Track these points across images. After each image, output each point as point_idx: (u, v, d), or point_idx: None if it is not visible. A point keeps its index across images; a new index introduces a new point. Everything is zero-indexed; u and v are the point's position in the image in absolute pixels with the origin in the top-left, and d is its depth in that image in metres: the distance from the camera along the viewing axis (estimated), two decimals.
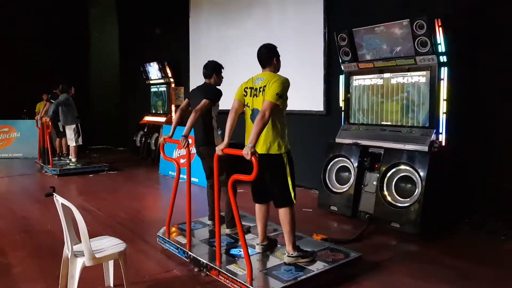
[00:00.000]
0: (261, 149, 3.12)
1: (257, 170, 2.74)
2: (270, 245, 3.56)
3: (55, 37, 11.63)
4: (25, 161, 9.80)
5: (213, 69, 4.13)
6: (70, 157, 8.40)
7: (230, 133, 3.26)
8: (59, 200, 2.70)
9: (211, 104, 3.88)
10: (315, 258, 3.31)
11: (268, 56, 3.32)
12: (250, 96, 3.25)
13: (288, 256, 3.28)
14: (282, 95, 3.04)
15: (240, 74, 7.52)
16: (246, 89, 3.30)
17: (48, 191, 2.79)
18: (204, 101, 3.83)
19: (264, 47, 3.37)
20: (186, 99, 4.23)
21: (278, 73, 3.31)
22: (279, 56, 3.39)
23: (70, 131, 8.21)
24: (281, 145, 3.17)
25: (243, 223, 4.04)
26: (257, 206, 3.53)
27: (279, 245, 3.59)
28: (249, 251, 3.02)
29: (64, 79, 8.79)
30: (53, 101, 8.78)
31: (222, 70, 4.20)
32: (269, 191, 3.36)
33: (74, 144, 8.23)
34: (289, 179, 3.22)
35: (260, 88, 3.16)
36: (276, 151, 3.17)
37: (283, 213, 3.26)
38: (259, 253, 3.49)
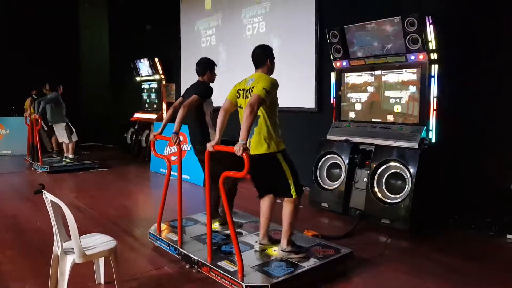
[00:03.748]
0: (258, 150, 3.15)
1: (249, 166, 2.74)
2: (269, 244, 3.53)
3: (44, 33, 11.48)
4: (14, 159, 9.69)
5: (206, 66, 4.09)
6: (66, 154, 8.33)
7: (222, 130, 3.27)
8: (48, 197, 2.67)
9: (201, 99, 3.85)
10: (307, 255, 3.31)
11: (262, 57, 3.32)
12: (243, 97, 3.25)
13: (281, 250, 3.30)
14: (269, 91, 3.03)
15: (232, 71, 7.57)
16: (239, 91, 3.31)
17: (37, 188, 2.76)
18: (193, 96, 3.80)
19: (258, 48, 3.38)
20: (180, 98, 4.21)
21: (271, 75, 3.30)
22: (274, 58, 3.38)
23: (61, 129, 8.15)
24: (274, 144, 3.18)
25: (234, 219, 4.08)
26: (261, 201, 3.53)
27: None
28: (240, 247, 3.03)
29: (53, 76, 8.71)
30: (36, 97, 8.70)
31: (215, 67, 4.17)
32: (270, 186, 3.38)
33: (68, 141, 8.17)
34: (288, 175, 3.22)
35: (250, 89, 3.17)
36: (270, 150, 3.17)
37: (285, 205, 3.28)
38: (256, 251, 3.47)
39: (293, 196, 3.23)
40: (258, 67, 3.34)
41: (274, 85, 3.13)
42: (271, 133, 3.17)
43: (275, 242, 3.55)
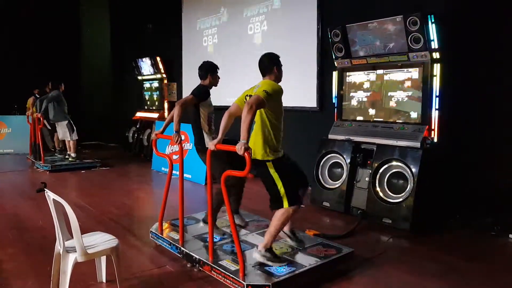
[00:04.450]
0: (252, 153, 3.12)
1: (250, 165, 2.75)
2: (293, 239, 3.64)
3: (45, 32, 11.51)
4: (16, 157, 9.72)
5: (208, 70, 4.06)
6: (68, 152, 8.36)
7: (224, 131, 3.27)
8: (50, 195, 2.68)
9: (195, 100, 3.83)
10: (280, 261, 3.23)
11: (268, 65, 3.31)
12: None
13: (258, 252, 3.22)
14: (270, 94, 3.01)
15: (233, 71, 7.57)
16: (246, 97, 3.31)
17: (40, 187, 2.77)
18: (188, 96, 3.81)
19: (265, 56, 3.36)
20: None
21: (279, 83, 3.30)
22: (281, 65, 3.36)
23: (63, 128, 8.17)
24: (266, 152, 3.15)
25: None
26: None
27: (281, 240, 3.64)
28: (242, 246, 3.03)
29: (55, 74, 8.72)
30: (38, 96, 8.72)
31: (218, 71, 4.15)
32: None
33: (69, 139, 8.19)
34: (279, 185, 3.16)
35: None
36: (261, 158, 3.15)
37: (277, 213, 3.22)
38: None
39: (284, 207, 3.16)
40: (265, 75, 3.32)
41: (276, 89, 3.12)
42: (264, 141, 3.15)
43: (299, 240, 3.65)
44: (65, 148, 8.73)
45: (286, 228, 3.58)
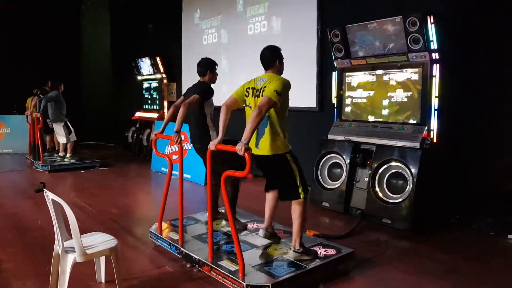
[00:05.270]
0: (268, 150, 3.14)
1: (250, 166, 2.74)
2: (273, 236, 3.63)
3: (45, 32, 11.51)
4: (15, 157, 9.72)
5: (207, 67, 4.07)
6: (66, 153, 8.31)
7: (224, 129, 3.25)
8: (49, 196, 2.67)
9: (201, 100, 3.84)
10: (316, 257, 3.29)
11: (271, 58, 3.30)
12: (252, 96, 3.21)
13: (294, 251, 3.27)
14: (280, 93, 3.01)
15: (234, 71, 7.56)
16: (248, 89, 3.28)
17: (38, 187, 2.76)
18: (193, 96, 3.80)
19: (267, 49, 3.35)
20: (182, 97, 4.20)
21: (281, 76, 3.30)
22: (283, 58, 3.37)
23: (59, 128, 8.12)
24: (283, 145, 3.18)
25: (241, 221, 4.09)
26: (267, 194, 3.60)
27: (282, 240, 3.65)
28: (242, 246, 3.03)
29: (54, 74, 8.72)
30: (41, 96, 8.71)
31: (216, 67, 4.16)
32: (277, 188, 3.41)
33: (65, 141, 8.15)
34: (297, 175, 3.22)
35: (261, 88, 3.13)
36: (280, 151, 3.17)
37: (294, 207, 3.27)
38: (259, 236, 3.59)
39: (301, 197, 3.22)
40: (268, 69, 3.31)
41: (286, 86, 3.11)
42: (280, 134, 3.16)
43: (278, 237, 3.64)
44: (55, 148, 8.68)
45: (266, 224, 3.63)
